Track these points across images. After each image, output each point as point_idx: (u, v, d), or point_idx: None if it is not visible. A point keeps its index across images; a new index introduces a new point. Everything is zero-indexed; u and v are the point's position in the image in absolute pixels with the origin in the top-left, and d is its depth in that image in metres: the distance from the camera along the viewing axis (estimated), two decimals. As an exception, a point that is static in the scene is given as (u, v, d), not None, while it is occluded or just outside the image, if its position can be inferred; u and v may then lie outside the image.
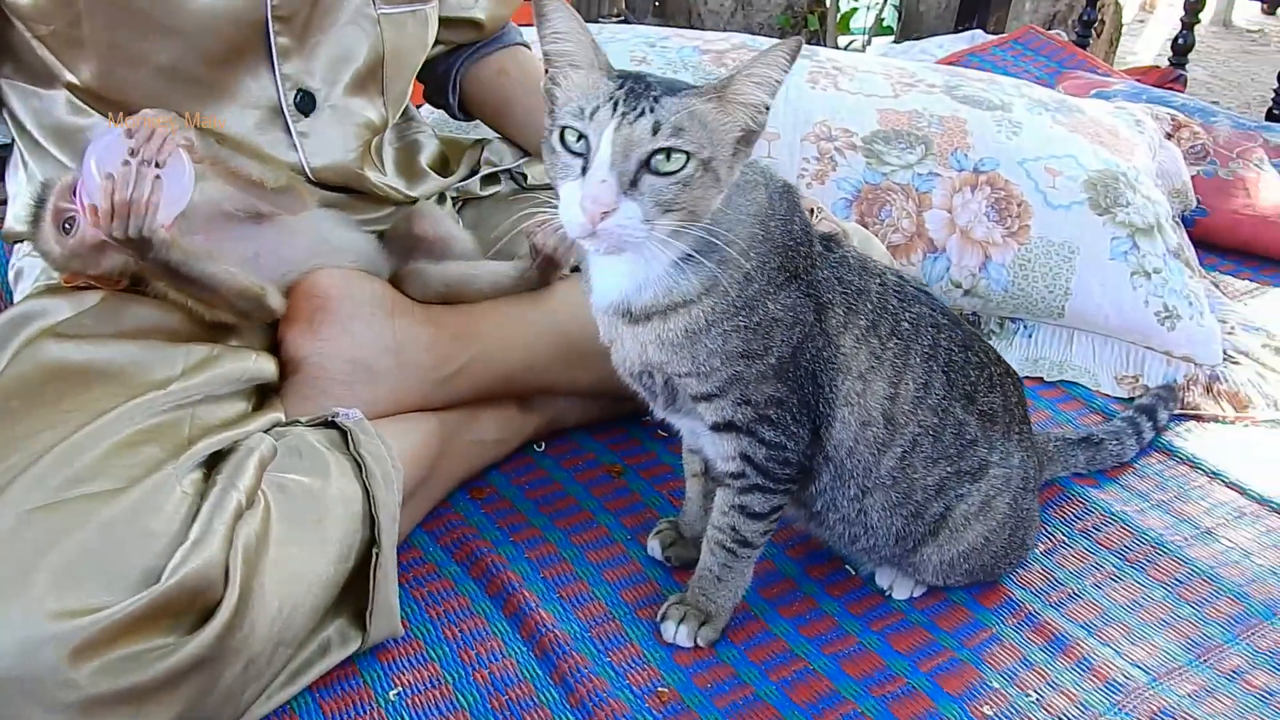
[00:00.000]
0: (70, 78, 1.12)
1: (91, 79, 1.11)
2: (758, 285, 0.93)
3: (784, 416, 0.98)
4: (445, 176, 1.41)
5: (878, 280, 1.02)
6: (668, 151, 0.83)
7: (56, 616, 0.80)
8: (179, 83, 1.12)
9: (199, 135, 1.06)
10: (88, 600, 0.81)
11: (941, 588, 1.14)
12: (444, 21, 1.36)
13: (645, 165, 0.83)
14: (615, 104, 0.83)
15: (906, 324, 1.01)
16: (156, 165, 0.98)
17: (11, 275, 1.26)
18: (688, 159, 0.83)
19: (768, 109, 0.88)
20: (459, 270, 1.25)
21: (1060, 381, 1.58)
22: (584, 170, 0.83)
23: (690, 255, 0.89)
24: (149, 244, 0.99)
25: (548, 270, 1.24)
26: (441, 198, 1.41)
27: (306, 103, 1.19)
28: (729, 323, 0.93)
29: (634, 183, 0.83)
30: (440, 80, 1.46)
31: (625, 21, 5.76)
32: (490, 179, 1.46)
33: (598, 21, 5.77)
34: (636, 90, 0.84)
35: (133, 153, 0.98)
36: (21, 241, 1.24)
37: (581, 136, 0.84)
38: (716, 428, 0.99)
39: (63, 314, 1.05)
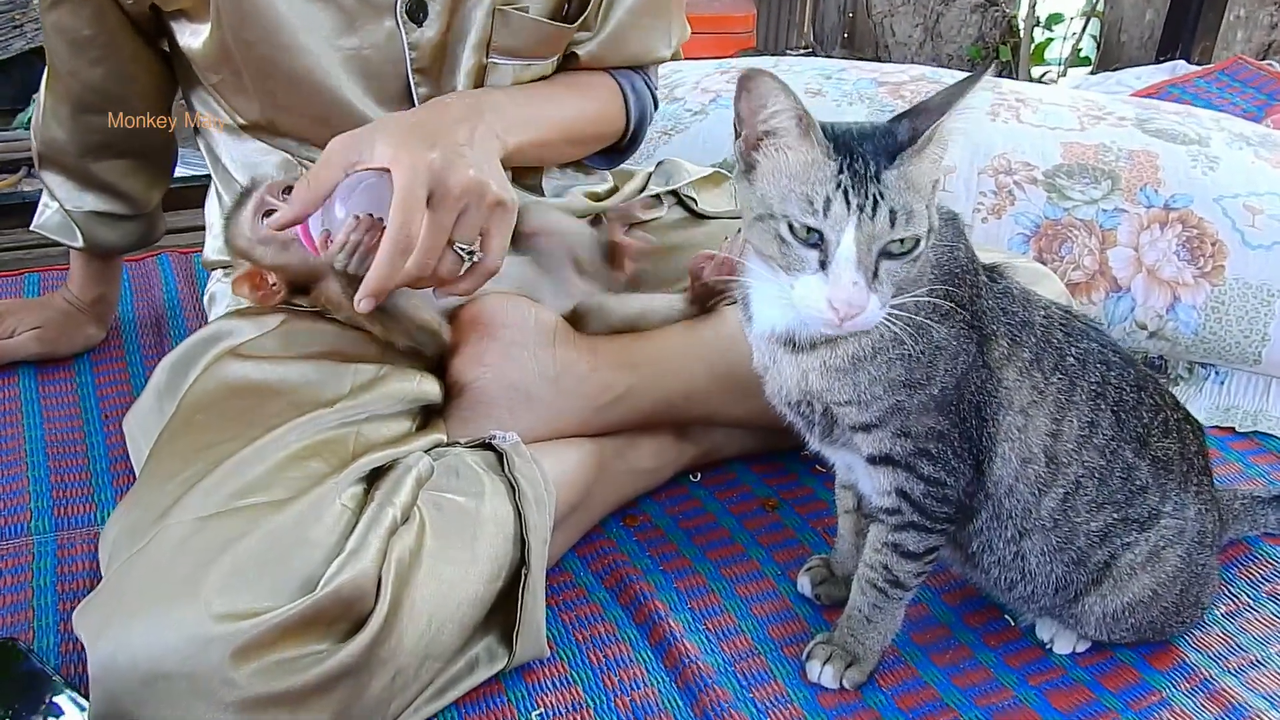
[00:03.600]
0: (240, 120, 1.20)
1: (259, 120, 1.19)
2: (925, 312, 0.90)
3: (944, 451, 0.95)
4: None
5: (1042, 313, 0.99)
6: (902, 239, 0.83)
7: (222, 618, 0.84)
8: (333, 129, 1.17)
9: None
10: (251, 604, 0.86)
11: (1107, 644, 1.08)
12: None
13: (882, 253, 0.83)
14: (845, 192, 0.81)
15: (1072, 359, 0.97)
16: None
17: (206, 299, 1.36)
18: (918, 241, 0.83)
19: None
20: (638, 304, 1.26)
21: (1254, 433, 1.48)
22: (822, 264, 0.82)
23: None
24: (358, 280, 1.02)
25: (708, 298, 1.24)
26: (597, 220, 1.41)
27: None
28: (895, 349, 0.91)
29: (874, 273, 0.83)
30: None
31: (813, 54, 5.76)
32: (653, 205, 1.45)
33: (784, 54, 5.80)
34: (857, 170, 0.82)
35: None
36: (218, 269, 1.33)
37: (812, 229, 0.83)
38: (873, 460, 0.97)
39: (246, 335, 1.12)
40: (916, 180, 0.83)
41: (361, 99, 1.17)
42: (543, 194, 1.37)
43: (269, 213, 1.12)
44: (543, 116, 1.21)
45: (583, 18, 1.27)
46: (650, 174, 1.48)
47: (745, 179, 0.87)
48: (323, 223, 1.04)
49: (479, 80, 1.22)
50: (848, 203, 0.81)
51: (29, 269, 1.76)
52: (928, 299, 0.90)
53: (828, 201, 0.81)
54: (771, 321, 0.94)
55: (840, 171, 0.82)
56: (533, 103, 1.21)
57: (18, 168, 3.59)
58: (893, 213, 0.81)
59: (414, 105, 1.18)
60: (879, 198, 0.81)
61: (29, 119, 3.90)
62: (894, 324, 0.86)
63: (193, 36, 1.17)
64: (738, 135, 0.87)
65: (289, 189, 1.11)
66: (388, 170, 0.98)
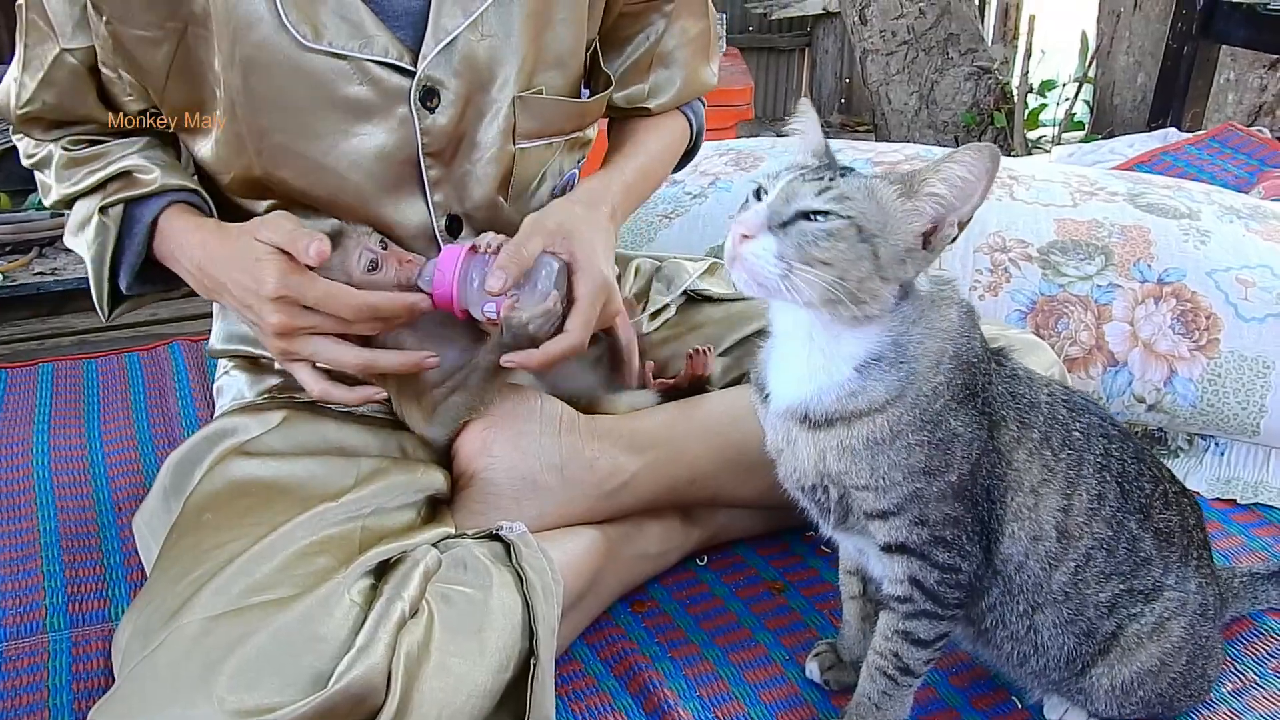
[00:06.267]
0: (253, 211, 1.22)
1: (269, 210, 1.21)
2: (944, 400, 0.93)
3: (959, 537, 0.96)
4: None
5: (1046, 391, 1.02)
6: (825, 213, 0.87)
7: (236, 715, 0.86)
8: (340, 211, 1.19)
9: None
10: (264, 700, 0.87)
11: (1115, 723, 1.08)
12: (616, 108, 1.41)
13: (804, 216, 0.87)
14: (804, 170, 0.91)
15: (1078, 434, 1.00)
16: None
17: (215, 390, 1.37)
18: (842, 220, 0.87)
19: (961, 226, 0.90)
20: (625, 402, 1.31)
21: (1255, 504, 1.49)
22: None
23: (876, 361, 0.92)
24: (522, 339, 1.11)
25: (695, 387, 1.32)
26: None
27: (455, 226, 1.25)
28: (914, 436, 0.93)
29: (784, 225, 0.87)
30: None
31: (810, 121, 5.85)
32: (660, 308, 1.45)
33: (783, 119, 5.88)
34: (831, 165, 0.93)
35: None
36: (224, 358, 1.34)
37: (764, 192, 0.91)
38: (887, 549, 0.98)
39: (250, 432, 1.14)
40: (885, 201, 0.90)
41: (371, 181, 1.18)
42: None
43: (372, 261, 1.13)
44: (645, 184, 1.39)
45: (615, 87, 1.34)
46: (653, 278, 1.49)
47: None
48: (523, 296, 1.13)
49: (509, 166, 1.24)
50: (796, 171, 0.92)
51: (43, 360, 1.79)
52: (946, 389, 0.93)
53: (782, 172, 0.92)
54: (788, 396, 0.96)
55: (818, 165, 0.94)
56: (637, 172, 1.36)
57: (29, 248, 3.65)
58: (825, 189, 0.88)
59: (425, 187, 1.20)
60: (825, 179, 0.90)
61: (39, 201, 3.96)
62: (830, 330, 0.92)
63: (203, 143, 1.19)
64: None
65: (382, 242, 1.16)
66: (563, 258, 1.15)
